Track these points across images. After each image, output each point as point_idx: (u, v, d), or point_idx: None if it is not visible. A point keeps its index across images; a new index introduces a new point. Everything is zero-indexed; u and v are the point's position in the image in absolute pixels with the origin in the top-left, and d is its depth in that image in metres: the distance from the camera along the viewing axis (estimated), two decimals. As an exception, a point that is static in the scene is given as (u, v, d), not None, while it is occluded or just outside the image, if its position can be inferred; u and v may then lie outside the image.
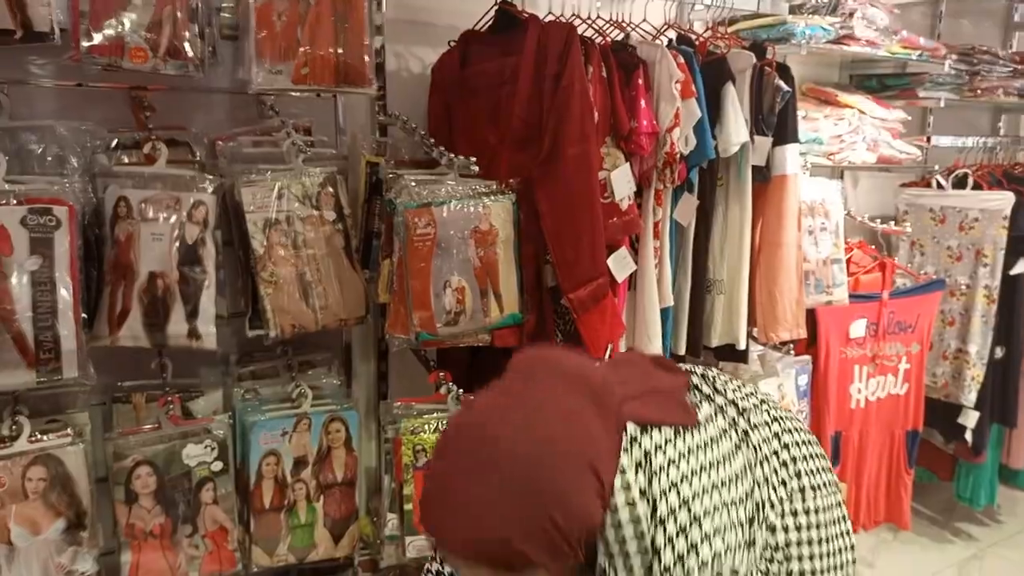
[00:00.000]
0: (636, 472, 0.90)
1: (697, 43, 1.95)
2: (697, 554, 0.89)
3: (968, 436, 2.72)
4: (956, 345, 2.68)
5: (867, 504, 2.56)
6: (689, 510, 0.90)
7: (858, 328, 2.39)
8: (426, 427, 1.71)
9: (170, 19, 1.44)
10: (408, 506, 1.72)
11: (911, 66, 2.70)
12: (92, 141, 1.53)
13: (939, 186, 2.70)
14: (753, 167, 1.97)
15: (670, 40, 1.96)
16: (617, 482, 0.89)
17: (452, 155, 1.64)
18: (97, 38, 1.40)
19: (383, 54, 1.89)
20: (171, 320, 1.52)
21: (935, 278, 2.64)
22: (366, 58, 1.59)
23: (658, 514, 0.89)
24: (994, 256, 2.57)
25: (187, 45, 1.47)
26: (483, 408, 0.93)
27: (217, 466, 1.63)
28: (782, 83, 1.94)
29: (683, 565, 0.88)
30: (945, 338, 2.71)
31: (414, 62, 2.00)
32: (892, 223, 2.80)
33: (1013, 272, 2.62)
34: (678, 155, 1.80)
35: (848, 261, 2.48)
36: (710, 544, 0.89)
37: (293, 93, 1.67)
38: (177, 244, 1.51)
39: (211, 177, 1.55)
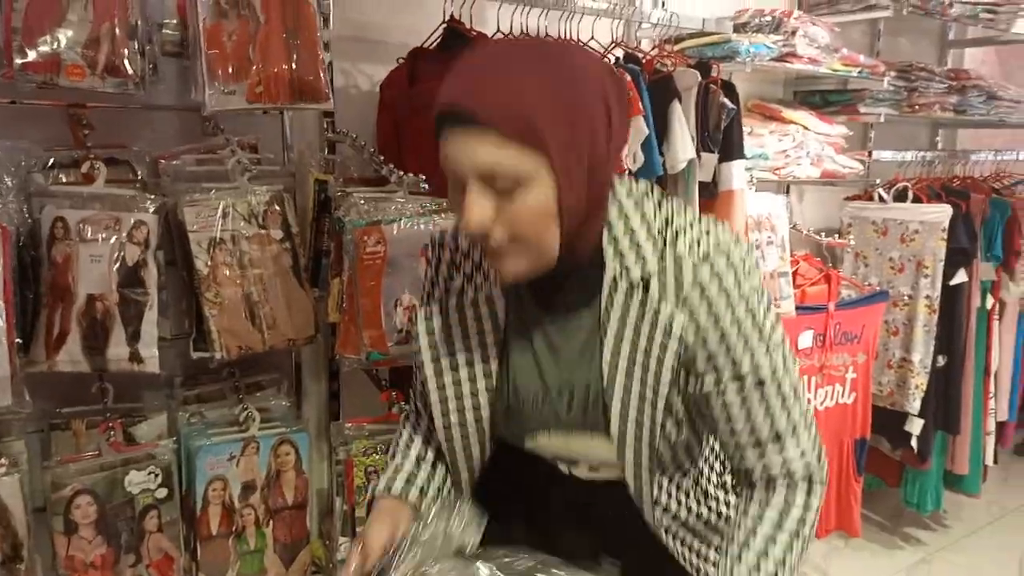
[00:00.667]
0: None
1: (644, 61, 1.98)
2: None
3: (914, 443, 2.78)
4: (900, 354, 2.75)
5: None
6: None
7: (805, 339, 2.44)
8: (378, 448, 1.69)
9: (108, 36, 1.41)
10: (360, 529, 1.69)
11: (852, 83, 2.78)
12: (28, 160, 1.49)
13: (881, 199, 2.77)
14: (700, 183, 2.00)
15: (617, 58, 1.98)
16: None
17: (402, 173, 1.63)
18: (31, 55, 1.36)
19: (331, 71, 1.88)
20: (111, 343, 1.47)
21: (879, 289, 2.70)
22: (321, 73, 1.57)
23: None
24: (934, 267, 2.65)
25: (126, 62, 1.44)
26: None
27: (161, 493, 1.59)
28: (727, 100, 1.98)
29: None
30: (890, 347, 2.77)
31: (362, 79, 1.98)
32: (836, 236, 2.86)
33: (952, 283, 2.70)
34: (627, 172, 1.81)
35: (794, 274, 2.53)
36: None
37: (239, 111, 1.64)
38: (117, 265, 1.47)
39: (152, 196, 1.51)
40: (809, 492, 0.96)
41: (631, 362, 0.92)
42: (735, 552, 0.95)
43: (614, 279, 0.92)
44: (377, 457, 1.68)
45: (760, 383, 0.92)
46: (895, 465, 3.00)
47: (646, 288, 0.90)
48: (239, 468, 1.66)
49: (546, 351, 0.98)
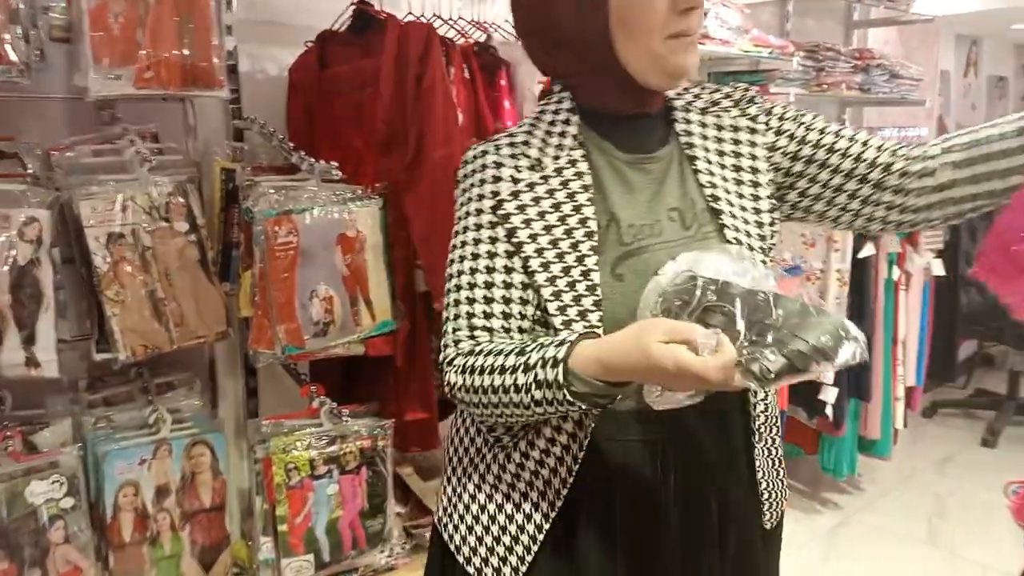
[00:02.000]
0: None
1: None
2: None
3: (829, 411, 2.88)
4: (814, 327, 2.83)
5: (741, 484, 2.67)
6: None
7: (725, 316, 2.48)
8: (298, 444, 1.65)
9: (-14, 20, 1.31)
10: (282, 527, 1.65)
11: (763, 63, 2.83)
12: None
13: (793, 177, 2.84)
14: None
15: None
16: None
17: (313, 160, 1.58)
18: (-98, 42, 1.26)
19: (236, 55, 1.81)
20: (4, 348, 1.39)
21: (793, 264, 2.78)
22: (215, 59, 1.51)
23: None
24: (844, 241, 2.73)
25: (8, 48, 1.35)
26: None
27: (67, 502, 1.51)
28: (642, 81, 1.98)
29: None
30: (804, 321, 2.85)
31: (270, 64, 1.91)
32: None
33: (861, 255, 2.79)
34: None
35: (713, 252, 2.57)
36: None
37: (138, 98, 1.56)
38: (7, 265, 1.38)
39: (44, 191, 1.43)
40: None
41: (724, 178, 1.01)
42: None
43: (684, 109, 1.03)
44: (297, 454, 1.63)
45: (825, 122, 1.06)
46: (812, 433, 3.11)
47: (716, 114, 1.03)
48: (151, 472, 1.60)
49: (647, 185, 0.99)
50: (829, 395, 2.84)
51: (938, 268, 3.20)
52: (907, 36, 3.90)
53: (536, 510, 0.99)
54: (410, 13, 1.85)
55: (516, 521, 1.00)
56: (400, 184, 1.63)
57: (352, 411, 1.69)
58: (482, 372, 0.90)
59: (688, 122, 1.02)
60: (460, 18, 1.91)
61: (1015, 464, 3.56)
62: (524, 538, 0.99)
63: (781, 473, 1.11)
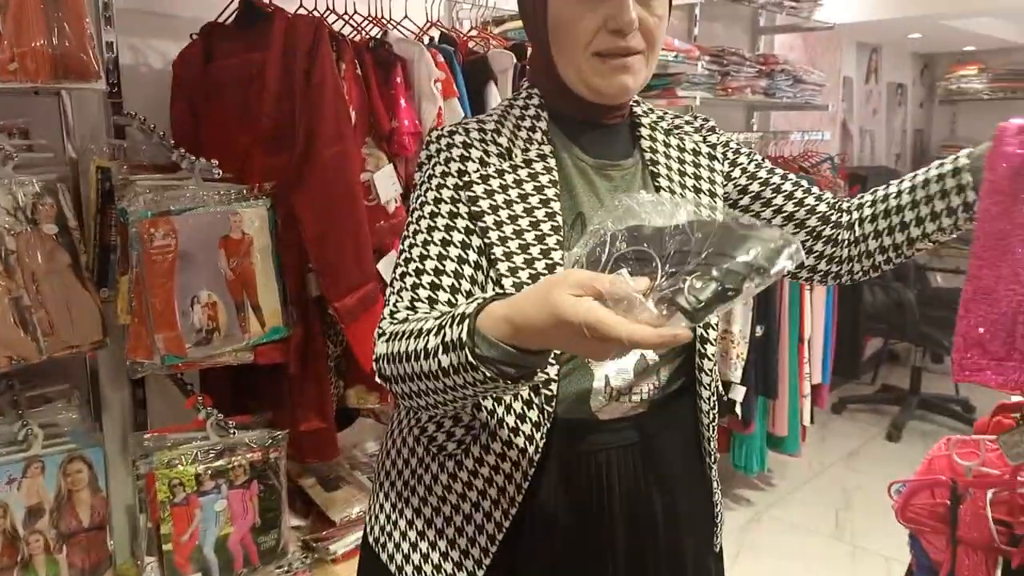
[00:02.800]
0: None
1: (459, 42, 1.93)
2: None
3: (738, 409, 2.93)
4: (722, 326, 2.87)
5: (653, 484, 2.68)
6: None
7: (634, 317, 2.49)
8: (183, 458, 1.56)
9: None
10: (167, 546, 1.56)
11: (671, 67, 2.86)
12: None
13: (701, 179, 2.88)
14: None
15: (432, 39, 1.92)
16: None
17: (193, 157, 1.50)
18: None
19: (116, 47, 1.71)
20: None
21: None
22: (90, 49, 1.41)
23: None
24: (750, 242, 2.78)
25: None
26: None
27: (-77, 528, 1.39)
28: (545, 81, 1.96)
29: None
30: (714, 321, 2.89)
31: (154, 57, 1.82)
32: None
33: (767, 256, 2.85)
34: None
35: (622, 253, 2.58)
36: None
37: (5, 91, 1.45)
38: None
39: None
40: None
41: (683, 196, 1.02)
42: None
43: (650, 126, 1.04)
44: (182, 468, 1.55)
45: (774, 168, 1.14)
46: (723, 431, 3.15)
47: (679, 136, 1.06)
48: (21, 491, 1.49)
49: (611, 190, 0.99)
50: (737, 393, 2.88)
51: (841, 268, 3.29)
52: (811, 43, 4.02)
53: (480, 533, 0.95)
54: (301, 7, 1.79)
55: (456, 551, 0.97)
56: (290, 184, 1.56)
57: (241, 422, 1.61)
58: (404, 337, 0.84)
59: (653, 139, 1.03)
60: (356, 13, 1.85)
61: (917, 457, 3.65)
62: (469, 564, 0.96)
63: (720, 495, 1.12)
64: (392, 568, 1.01)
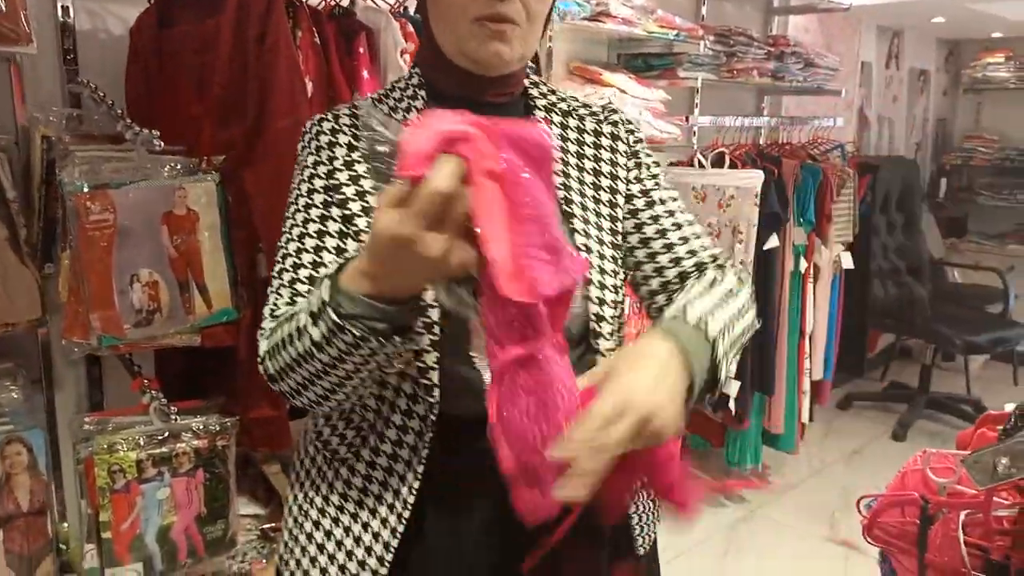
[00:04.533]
0: None
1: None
2: None
3: (732, 405, 2.83)
4: (718, 319, 2.77)
5: (639, 479, 2.60)
6: None
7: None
8: (123, 443, 1.50)
9: None
10: (106, 534, 1.50)
11: (674, 46, 2.74)
12: None
13: (700, 165, 2.77)
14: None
15: (405, 9, 1.82)
16: None
17: (139, 128, 1.42)
18: None
19: (72, 12, 1.64)
20: None
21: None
22: (21, 12, 1.34)
23: None
24: (748, 232, 2.67)
25: None
26: None
27: None
28: (526, 57, 1.86)
29: None
30: (709, 312, 2.79)
31: (113, 22, 1.74)
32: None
33: (766, 247, 2.74)
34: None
35: (613, 240, 2.48)
36: None
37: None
38: None
39: None
40: (741, 280, 1.00)
41: (581, 181, 0.98)
42: (689, 298, 0.90)
43: (546, 108, 1.00)
44: (123, 454, 1.48)
45: (668, 188, 1.04)
46: (718, 426, 3.06)
47: (579, 117, 1.01)
48: (-45, 473, 1.43)
49: None
50: (731, 388, 2.78)
51: (847, 261, 3.17)
52: (828, 25, 3.86)
53: (376, 541, 0.90)
54: (265, -28, 1.70)
55: (354, 563, 0.92)
56: (240, 157, 1.48)
57: (189, 408, 1.54)
58: (281, 326, 0.82)
59: (548, 121, 0.99)
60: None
61: (921, 457, 3.59)
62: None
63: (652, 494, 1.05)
64: None
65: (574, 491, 0.68)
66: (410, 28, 1.67)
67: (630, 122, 1.05)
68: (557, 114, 1.00)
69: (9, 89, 1.59)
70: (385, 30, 1.61)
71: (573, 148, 0.99)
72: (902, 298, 3.96)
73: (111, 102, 1.53)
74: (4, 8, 1.30)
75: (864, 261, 3.58)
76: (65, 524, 1.71)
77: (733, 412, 2.83)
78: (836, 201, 3.01)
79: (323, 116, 0.96)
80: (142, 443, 1.50)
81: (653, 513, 1.06)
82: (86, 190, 1.33)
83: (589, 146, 1.00)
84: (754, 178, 2.62)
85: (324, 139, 0.93)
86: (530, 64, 1.04)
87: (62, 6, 1.65)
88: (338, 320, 0.72)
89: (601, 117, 1.03)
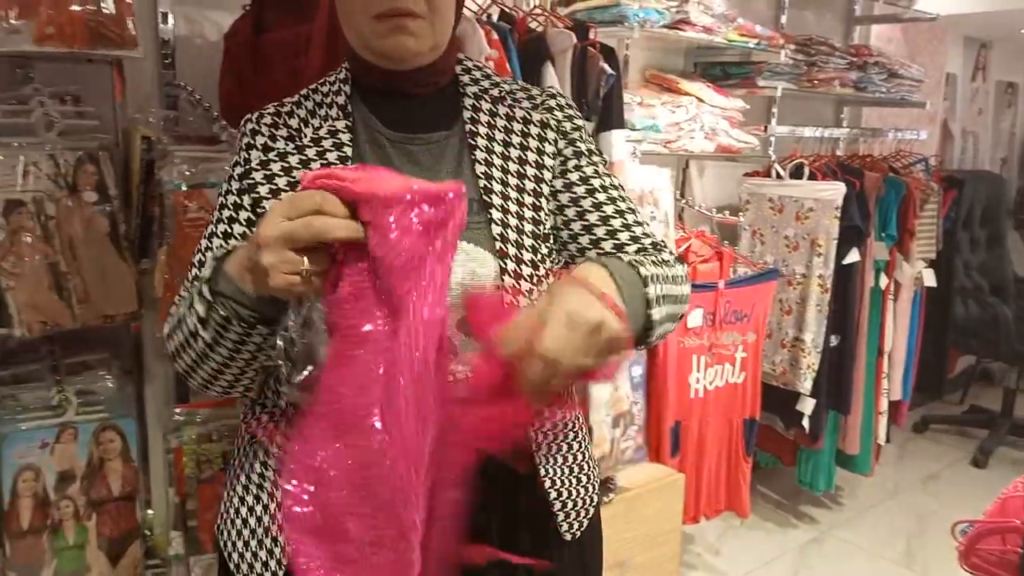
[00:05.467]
0: None
1: (517, 20, 1.85)
2: None
3: (805, 423, 2.76)
4: (793, 333, 2.71)
5: (708, 492, 2.55)
6: None
7: (695, 318, 2.37)
8: (213, 435, 1.55)
9: None
10: (192, 522, 1.55)
11: (754, 56, 2.71)
12: None
13: (778, 176, 2.72)
14: (579, 152, 1.88)
15: (489, 16, 1.85)
16: None
17: (234, 130, 1.47)
18: None
19: (170, 17, 1.71)
20: None
21: (770, 267, 2.65)
22: (128, 17, 1.40)
23: None
24: (827, 246, 2.61)
25: None
26: None
27: (-44, 486, 1.42)
28: (607, 66, 1.87)
29: None
30: (783, 327, 2.74)
31: (209, 27, 1.81)
32: (727, 213, 2.80)
33: (846, 262, 2.67)
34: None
35: (687, 251, 2.46)
36: None
37: (58, 57, 1.46)
38: None
39: (-65, 151, 1.33)
40: (678, 260, 0.98)
41: (505, 170, 0.96)
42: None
43: (476, 96, 0.99)
44: (209, 445, 1.53)
45: (608, 175, 1.02)
46: (790, 444, 2.99)
47: (509, 104, 0.99)
48: (54, 456, 1.50)
49: (410, 167, 0.95)
50: (806, 406, 2.72)
51: (929, 278, 3.07)
52: (912, 36, 3.76)
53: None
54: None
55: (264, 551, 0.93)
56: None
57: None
58: (181, 305, 0.88)
59: (477, 109, 0.98)
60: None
61: (1003, 486, 3.43)
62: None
63: (587, 479, 1.03)
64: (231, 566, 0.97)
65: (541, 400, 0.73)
66: (495, 36, 1.69)
67: (570, 106, 1.04)
68: (487, 100, 0.99)
69: (111, 91, 1.67)
70: (471, 38, 1.63)
71: (500, 136, 0.97)
72: (985, 318, 3.80)
73: (207, 105, 1.58)
74: (112, 13, 1.36)
75: (946, 279, 3.46)
76: (151, 511, 1.77)
77: (807, 430, 2.76)
78: (919, 216, 2.92)
79: (248, 117, 0.98)
80: (228, 435, 1.55)
81: (586, 496, 1.03)
82: (184, 189, 1.39)
83: (516, 133, 0.98)
84: (835, 190, 2.56)
85: (244, 141, 0.96)
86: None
87: (161, 12, 1.72)
88: (210, 297, 0.78)
89: (538, 102, 1.01)
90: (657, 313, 0.84)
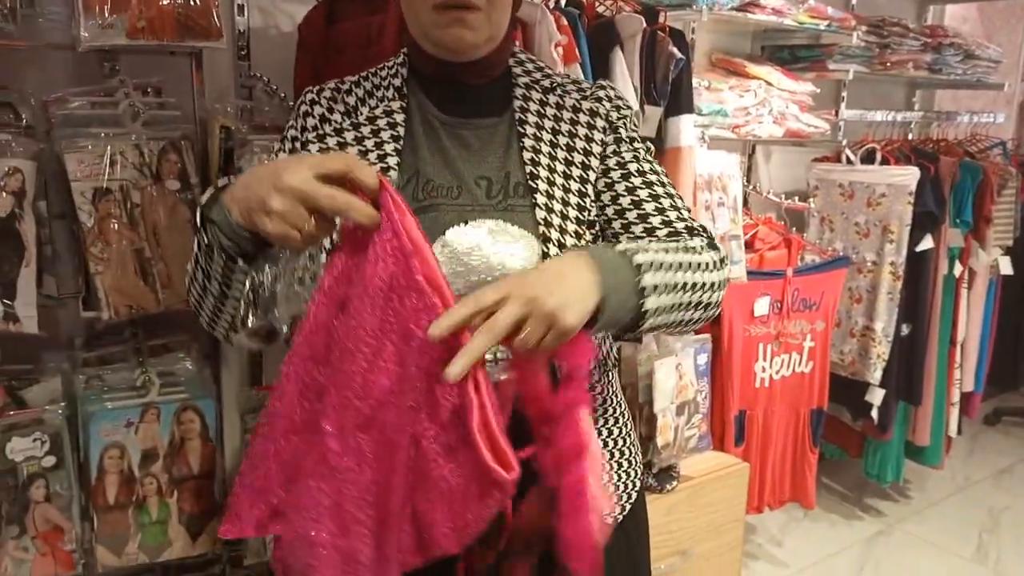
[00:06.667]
0: None
1: (585, 5, 1.83)
2: None
3: (874, 414, 2.70)
4: (863, 322, 2.65)
5: (772, 483, 2.52)
6: None
7: (762, 306, 2.33)
8: (287, 415, 1.59)
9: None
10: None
11: (823, 38, 2.64)
12: None
13: (848, 161, 2.65)
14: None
15: (558, 1, 1.84)
16: None
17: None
18: None
19: (246, 9, 1.75)
20: (-17, 302, 1.36)
21: (840, 255, 2.60)
22: (213, 9, 1.44)
23: None
24: (900, 232, 2.54)
25: (-11, -8, 1.30)
26: None
27: (49, 461, 1.48)
28: (676, 50, 1.84)
29: None
30: (852, 315, 2.68)
31: (283, 19, 1.84)
32: (796, 199, 2.75)
33: (919, 249, 2.60)
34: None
35: (754, 237, 2.42)
36: None
37: (143, 50, 1.51)
38: (-12, 217, 1.35)
39: (29, 141, 1.39)
40: (712, 246, 0.97)
41: (552, 156, 0.99)
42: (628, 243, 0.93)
43: (527, 86, 1.02)
44: (285, 425, 1.57)
45: (649, 160, 1.03)
46: (856, 435, 2.93)
47: (559, 94, 1.02)
48: (138, 435, 1.56)
49: (460, 149, 0.99)
50: (875, 396, 2.66)
51: (1006, 266, 2.96)
52: (989, 14, 3.61)
53: None
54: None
55: None
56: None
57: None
58: None
59: (527, 98, 1.02)
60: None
61: (1080, 481, 3.32)
62: None
63: (628, 464, 1.05)
64: None
65: (461, 368, 0.72)
66: (564, 21, 1.68)
67: (620, 98, 1.06)
68: (537, 91, 1.02)
69: (190, 82, 1.71)
70: (540, 23, 1.63)
71: (549, 124, 1.00)
72: (1064, 308, 3.66)
73: (283, 94, 1.62)
74: (198, 5, 1.40)
75: (1022, 266, 3.33)
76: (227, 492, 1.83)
77: (876, 421, 2.70)
78: (996, 202, 2.81)
79: (309, 89, 1.03)
80: (302, 417, 1.59)
81: (627, 480, 1.04)
82: (263, 176, 1.42)
83: (565, 122, 1.01)
84: (909, 175, 2.48)
85: (303, 109, 1.01)
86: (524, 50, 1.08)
87: (237, 4, 1.76)
88: (199, 219, 0.81)
89: (587, 93, 1.04)
90: (653, 302, 0.84)
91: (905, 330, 2.68)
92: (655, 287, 0.84)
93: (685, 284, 0.88)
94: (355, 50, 1.62)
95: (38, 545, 1.49)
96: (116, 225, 1.44)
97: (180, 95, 1.68)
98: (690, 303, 0.90)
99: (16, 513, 1.46)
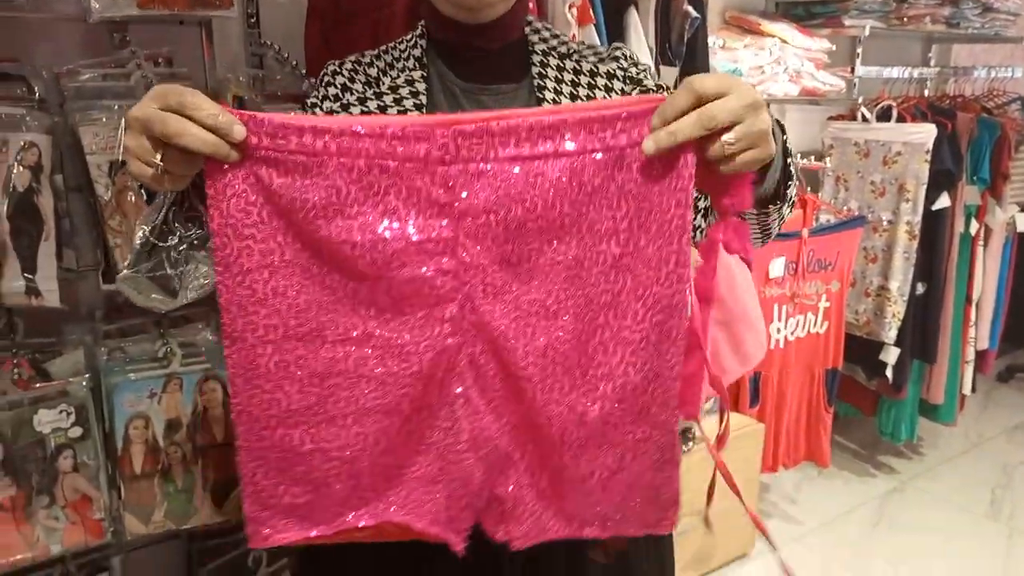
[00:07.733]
0: None
1: (599, -36, 1.80)
2: None
3: (889, 372, 2.71)
4: (878, 282, 2.64)
5: (787, 442, 2.54)
6: None
7: (777, 267, 2.33)
8: (308, 384, 1.60)
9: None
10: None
11: (838, -8, 2.59)
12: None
13: (864, 119, 2.62)
14: (660, 99, 1.85)
15: (571, -39, 1.80)
16: None
17: (322, 88, 1.49)
18: None
19: (253, -24, 1.73)
20: (5, 276, 1.36)
21: (856, 215, 2.58)
22: (228, -25, 1.42)
23: None
24: (916, 191, 2.51)
25: (0, -38, 1.29)
26: None
27: (75, 432, 1.50)
28: (691, 9, 1.81)
29: None
30: (868, 275, 2.67)
31: (292, -15, 1.82)
32: (811, 159, 2.72)
33: (935, 207, 2.57)
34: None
35: (768, 198, 2.40)
36: None
37: (151, 20, 1.49)
38: (7, 192, 1.35)
39: (44, 115, 1.38)
40: None
41: None
42: None
43: (544, 53, 1.02)
44: (306, 394, 1.59)
45: None
46: (871, 394, 2.94)
47: (576, 60, 1.02)
48: (162, 405, 1.58)
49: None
50: (890, 355, 2.66)
51: (1023, 223, 2.94)
52: (1008, -35, 3.52)
53: None
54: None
55: None
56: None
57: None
58: None
59: (545, 65, 1.02)
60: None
61: (1094, 437, 3.33)
62: None
63: None
64: None
65: (656, 144, 0.68)
66: (577, -18, 1.65)
67: (635, 57, 1.07)
68: (554, 56, 1.03)
69: (201, 51, 1.70)
70: (554, -15, 1.61)
71: (567, 89, 1.01)
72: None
73: (295, 62, 1.60)
74: (207, -27, 1.39)
75: (1040, 223, 3.30)
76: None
77: (891, 380, 2.70)
78: (1014, 158, 2.78)
79: (331, 62, 1.05)
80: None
81: None
82: (278, 146, 1.41)
83: (583, 86, 1.02)
84: (925, 133, 2.45)
85: (325, 79, 1.02)
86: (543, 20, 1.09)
87: (246, -29, 1.74)
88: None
89: (603, 56, 1.05)
90: (793, 168, 0.85)
91: (920, 289, 2.67)
92: (792, 172, 0.86)
93: (795, 183, 0.90)
94: (365, 16, 1.61)
95: (68, 514, 1.52)
96: (133, 197, 1.44)
97: (191, 65, 1.67)
98: (793, 203, 0.92)
99: (46, 483, 1.48)
